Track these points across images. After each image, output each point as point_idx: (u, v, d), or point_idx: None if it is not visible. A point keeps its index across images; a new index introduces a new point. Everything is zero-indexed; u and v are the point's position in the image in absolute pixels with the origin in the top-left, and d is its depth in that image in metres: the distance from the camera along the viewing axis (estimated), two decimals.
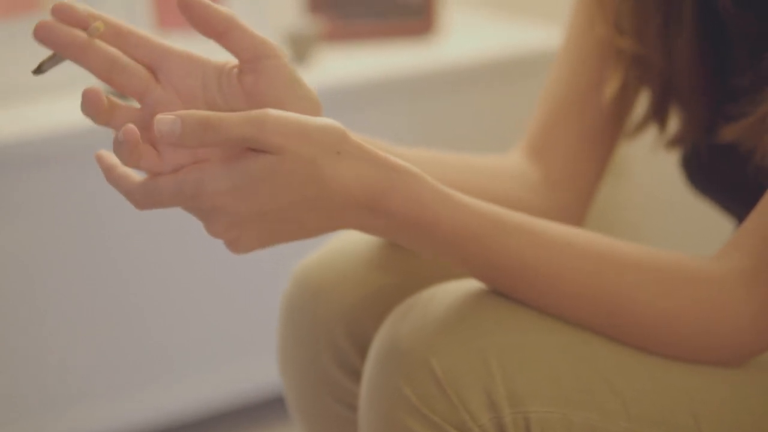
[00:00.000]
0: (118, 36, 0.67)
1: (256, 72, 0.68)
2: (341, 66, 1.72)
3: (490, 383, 0.70)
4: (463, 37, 1.87)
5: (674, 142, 0.92)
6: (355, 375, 0.86)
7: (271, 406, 1.74)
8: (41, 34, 0.63)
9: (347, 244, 0.90)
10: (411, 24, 1.83)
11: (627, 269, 0.73)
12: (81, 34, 0.64)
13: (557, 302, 0.73)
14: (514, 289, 0.73)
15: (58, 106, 1.59)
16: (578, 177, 0.93)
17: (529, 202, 0.92)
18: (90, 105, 0.64)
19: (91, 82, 1.65)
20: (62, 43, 0.64)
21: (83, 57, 0.65)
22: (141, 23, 1.66)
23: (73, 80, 1.65)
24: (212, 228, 0.65)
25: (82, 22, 0.65)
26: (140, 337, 1.61)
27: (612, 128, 0.93)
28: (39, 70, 0.65)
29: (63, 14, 0.64)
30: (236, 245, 0.66)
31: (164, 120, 0.62)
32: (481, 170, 0.90)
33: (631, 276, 0.72)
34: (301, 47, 1.68)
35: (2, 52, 1.61)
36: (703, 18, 0.86)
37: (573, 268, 0.72)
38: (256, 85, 0.68)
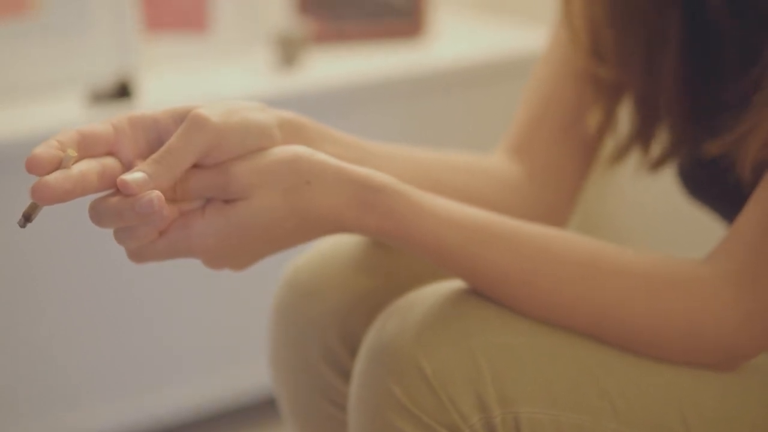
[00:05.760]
0: (83, 149, 0.65)
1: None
2: (330, 68, 1.71)
3: (480, 384, 0.70)
4: (452, 39, 1.87)
5: (659, 163, 0.91)
6: (346, 375, 0.86)
7: (263, 407, 1.74)
8: (40, 197, 0.62)
9: (337, 245, 0.90)
10: (400, 26, 1.83)
11: (611, 275, 0.73)
12: (71, 175, 0.63)
13: (537, 308, 0.73)
14: (495, 296, 0.74)
15: (56, 107, 1.58)
16: (561, 177, 0.93)
17: (509, 202, 0.91)
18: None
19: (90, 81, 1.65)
20: (61, 196, 0.62)
21: (83, 193, 0.64)
22: (129, 25, 1.66)
23: (73, 79, 1.64)
24: (204, 263, 0.71)
25: (58, 161, 0.63)
26: (138, 338, 1.60)
27: (596, 133, 0.93)
28: (27, 220, 0.63)
29: (40, 167, 0.62)
30: (224, 268, 0.72)
31: (142, 202, 0.63)
32: (460, 169, 0.90)
33: (615, 282, 0.72)
34: (290, 49, 1.68)
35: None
36: (688, 39, 0.85)
37: (550, 275, 0.72)
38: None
